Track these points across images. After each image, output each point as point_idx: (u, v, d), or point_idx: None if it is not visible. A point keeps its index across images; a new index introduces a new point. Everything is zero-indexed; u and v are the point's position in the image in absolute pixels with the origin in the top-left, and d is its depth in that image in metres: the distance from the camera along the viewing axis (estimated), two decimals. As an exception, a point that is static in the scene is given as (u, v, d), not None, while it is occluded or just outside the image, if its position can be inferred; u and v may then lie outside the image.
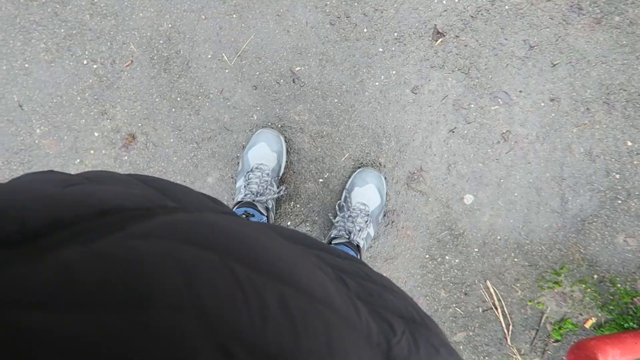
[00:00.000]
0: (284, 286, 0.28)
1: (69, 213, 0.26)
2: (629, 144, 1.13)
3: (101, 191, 0.34)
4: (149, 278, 0.22)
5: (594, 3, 1.11)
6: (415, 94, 1.16)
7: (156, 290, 0.21)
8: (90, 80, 1.21)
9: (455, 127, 1.16)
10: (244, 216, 1.00)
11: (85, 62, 1.21)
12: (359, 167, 1.17)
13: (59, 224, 0.25)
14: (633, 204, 1.14)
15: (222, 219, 0.37)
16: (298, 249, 0.40)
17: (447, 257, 1.18)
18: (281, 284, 0.28)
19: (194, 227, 0.30)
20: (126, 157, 1.21)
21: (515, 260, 1.17)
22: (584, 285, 1.16)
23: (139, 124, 1.21)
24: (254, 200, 1.10)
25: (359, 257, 1.08)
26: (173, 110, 1.20)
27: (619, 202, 1.14)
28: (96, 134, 1.21)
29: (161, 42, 1.20)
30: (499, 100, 1.15)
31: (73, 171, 1.17)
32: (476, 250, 1.17)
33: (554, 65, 1.13)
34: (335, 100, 1.17)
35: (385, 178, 1.17)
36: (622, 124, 1.12)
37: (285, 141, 1.18)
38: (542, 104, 1.14)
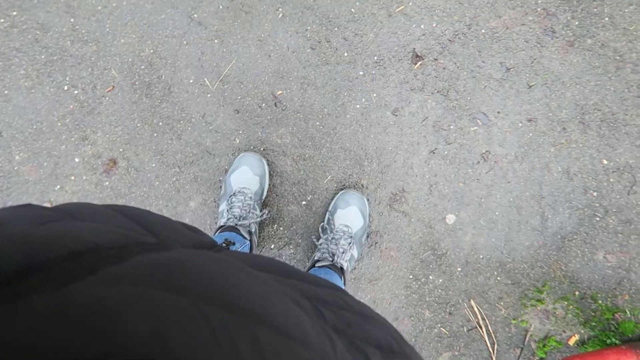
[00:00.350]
0: (257, 325, 0.31)
1: (42, 256, 0.28)
2: (605, 162, 1.18)
3: (77, 229, 0.36)
4: (117, 328, 0.24)
5: (567, 26, 1.17)
6: (396, 116, 1.21)
7: (123, 341, 0.23)
8: (71, 106, 1.24)
9: (435, 148, 1.21)
10: (224, 244, 1.03)
11: (66, 87, 1.24)
12: (342, 189, 1.21)
13: (33, 269, 0.27)
14: (611, 221, 1.19)
15: (197, 256, 0.39)
16: (274, 283, 0.42)
17: (430, 277, 1.22)
18: (254, 323, 0.31)
19: (167, 269, 0.32)
20: (107, 183, 1.23)
21: (498, 278, 1.21)
22: (566, 302, 1.20)
23: (121, 149, 1.24)
24: (236, 225, 1.13)
25: (342, 279, 1.11)
26: (155, 135, 1.23)
27: (597, 219, 1.19)
28: (77, 160, 1.24)
29: (143, 67, 1.23)
30: (478, 121, 1.20)
31: (53, 198, 1.19)
32: (459, 269, 1.21)
33: (530, 86, 1.19)
34: (317, 123, 1.22)
35: (368, 199, 1.21)
36: (598, 143, 1.18)
37: (268, 164, 1.21)
38: (520, 125, 1.19)
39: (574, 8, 1.17)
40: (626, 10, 1.16)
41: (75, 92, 1.24)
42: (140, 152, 1.24)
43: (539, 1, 1.18)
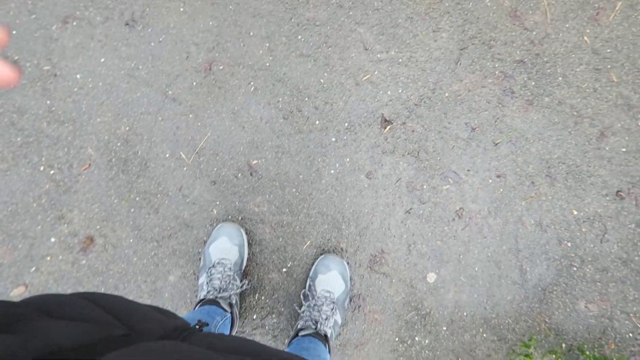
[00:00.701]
0: None
1: None
2: (575, 212, 1.27)
3: (42, 331, 0.39)
4: None
5: (524, 87, 1.29)
6: (370, 178, 1.29)
7: None
8: (47, 186, 1.29)
9: (411, 208, 1.28)
10: (197, 326, 1.05)
11: (42, 168, 1.30)
12: (321, 254, 1.26)
13: None
14: (588, 270, 1.26)
15: (159, 352, 0.43)
16: None
17: (417, 339, 1.25)
18: None
19: None
20: (84, 261, 1.27)
21: (484, 335, 1.25)
22: (554, 356, 1.24)
23: (97, 227, 1.28)
24: (217, 297, 1.16)
25: (327, 347, 1.14)
26: (132, 210, 1.28)
27: (575, 269, 1.26)
28: (53, 240, 1.27)
29: (119, 144, 1.30)
30: (449, 179, 1.28)
31: (28, 280, 1.22)
32: (445, 328, 1.25)
33: (496, 144, 1.28)
34: (293, 190, 1.28)
35: (348, 263, 1.26)
36: (566, 194, 1.27)
37: (246, 233, 1.27)
38: (490, 181, 1.28)
39: (529, 70, 1.29)
40: (577, 70, 1.28)
41: (52, 172, 1.30)
42: (117, 229, 1.28)
43: (496, 65, 1.30)
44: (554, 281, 1.27)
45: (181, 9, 1.34)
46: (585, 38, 1.29)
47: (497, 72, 1.30)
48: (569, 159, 1.28)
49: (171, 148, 1.31)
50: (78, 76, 1.33)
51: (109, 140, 1.31)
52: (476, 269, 1.27)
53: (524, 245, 1.27)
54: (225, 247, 1.22)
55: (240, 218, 1.29)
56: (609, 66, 1.28)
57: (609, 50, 1.28)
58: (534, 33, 1.30)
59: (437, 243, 1.28)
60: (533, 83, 1.29)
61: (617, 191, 1.27)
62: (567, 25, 1.29)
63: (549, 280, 1.27)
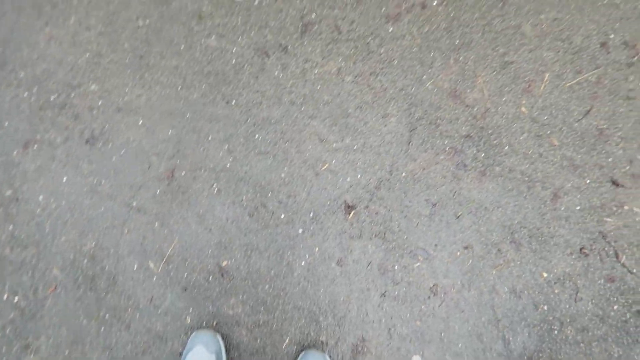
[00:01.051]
0: None
1: None
2: (545, 275, 1.33)
3: None
4: None
5: (475, 159, 1.40)
6: (341, 266, 1.33)
7: None
8: (12, 315, 1.29)
9: (385, 291, 1.32)
10: None
11: (5, 296, 1.30)
12: (302, 350, 1.27)
13: None
14: (569, 332, 1.30)
15: None
16: None
17: None
18: None
19: None
20: (53, 393, 1.24)
21: (479, 415, 1.25)
22: None
23: (66, 352, 1.27)
24: (197, 414, 1.14)
25: None
26: (102, 329, 1.28)
27: (556, 332, 1.30)
28: (19, 373, 1.25)
29: (85, 261, 1.33)
30: (419, 257, 1.34)
31: (-7, 422, 1.18)
32: (437, 414, 1.25)
33: (458, 217, 1.37)
34: (267, 287, 1.32)
35: (330, 356, 1.27)
36: (533, 258, 1.34)
37: (223, 339, 1.27)
38: (458, 253, 1.34)
39: (477, 142, 1.41)
40: (521, 138, 1.41)
41: (16, 299, 1.30)
42: (87, 351, 1.27)
43: (445, 141, 1.42)
44: (538, 348, 1.30)
45: (140, 123, 1.44)
46: (523, 108, 1.43)
47: (447, 148, 1.41)
48: (529, 222, 1.37)
49: (139, 259, 1.34)
50: (40, 198, 1.38)
51: (74, 259, 1.34)
52: (459, 345, 1.30)
53: (502, 315, 1.31)
54: (202, 357, 1.22)
55: (215, 323, 1.30)
56: (549, 132, 1.41)
57: (545, 117, 1.42)
58: (475, 109, 1.44)
59: (416, 323, 1.31)
60: (482, 155, 1.41)
61: (581, 248, 1.34)
62: (504, 99, 1.44)
63: (533, 348, 1.30)
